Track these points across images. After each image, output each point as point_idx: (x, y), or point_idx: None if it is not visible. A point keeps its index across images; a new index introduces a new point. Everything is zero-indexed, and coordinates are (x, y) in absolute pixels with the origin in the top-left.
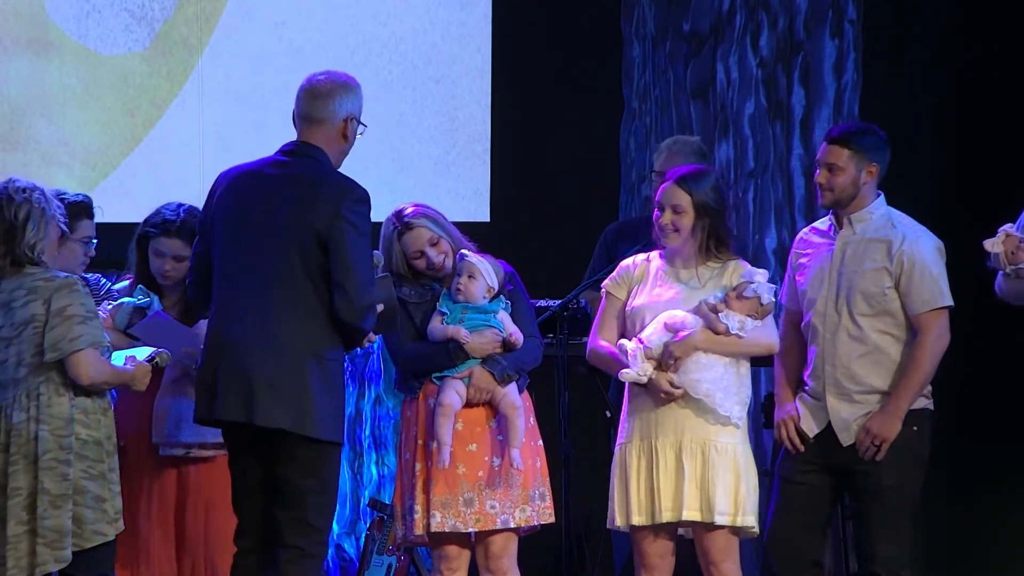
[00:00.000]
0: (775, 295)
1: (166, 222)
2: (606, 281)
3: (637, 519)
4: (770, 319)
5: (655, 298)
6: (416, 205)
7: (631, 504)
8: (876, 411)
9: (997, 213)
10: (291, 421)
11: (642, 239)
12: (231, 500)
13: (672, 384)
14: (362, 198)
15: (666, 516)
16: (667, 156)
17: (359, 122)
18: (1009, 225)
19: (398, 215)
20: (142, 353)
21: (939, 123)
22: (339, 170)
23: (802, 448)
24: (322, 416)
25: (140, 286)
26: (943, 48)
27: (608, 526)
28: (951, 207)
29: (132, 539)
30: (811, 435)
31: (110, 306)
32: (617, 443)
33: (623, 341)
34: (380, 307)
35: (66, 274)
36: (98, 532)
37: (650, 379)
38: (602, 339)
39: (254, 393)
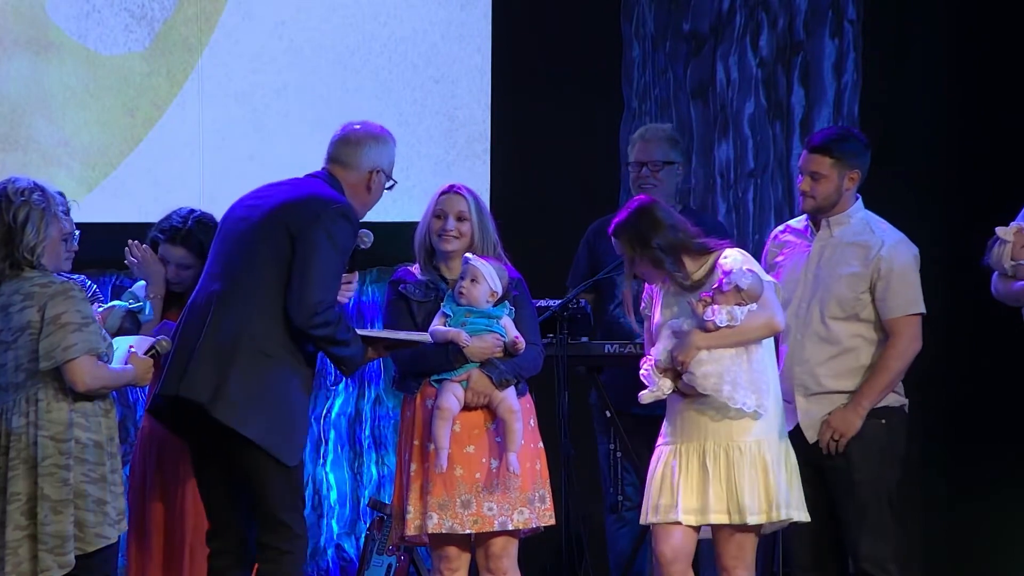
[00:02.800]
0: (752, 277)
1: (173, 229)
2: (643, 306)
3: (652, 517)
4: (767, 297)
5: (666, 314)
6: (471, 189)
7: (649, 503)
8: (839, 408)
9: (996, 213)
10: (207, 396)
11: None
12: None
13: (685, 385)
14: (347, 215)
15: (689, 519)
16: (641, 144)
17: (388, 176)
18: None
19: (452, 184)
20: (140, 345)
21: (939, 123)
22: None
23: None
24: (237, 401)
25: (130, 290)
26: (943, 48)
27: (640, 522)
28: (950, 207)
29: (171, 536)
30: None
31: (100, 309)
32: (657, 443)
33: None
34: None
35: (64, 279)
36: (101, 535)
37: (675, 390)
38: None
39: (187, 369)
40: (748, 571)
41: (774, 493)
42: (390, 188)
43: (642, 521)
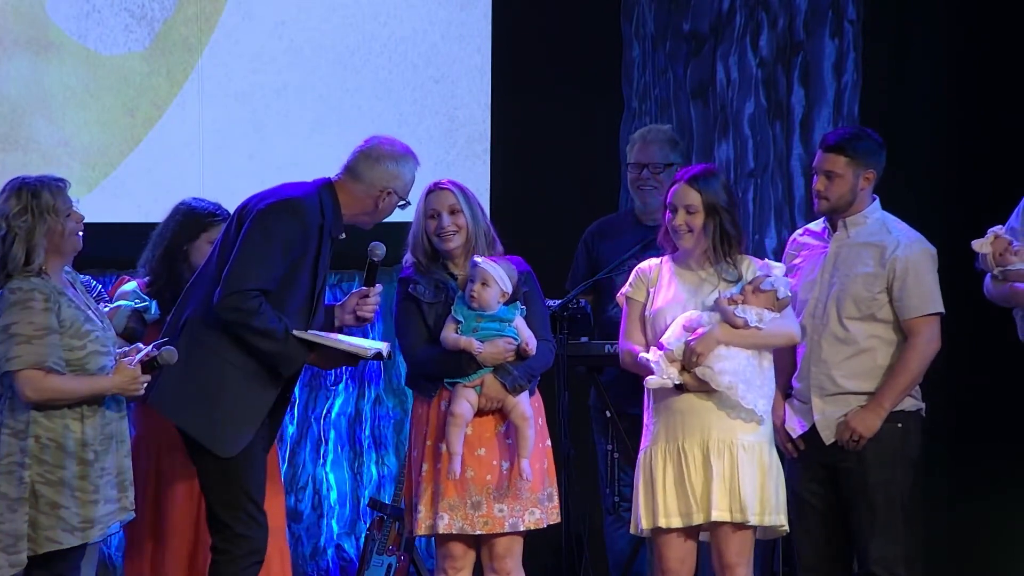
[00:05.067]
0: (791, 288)
1: (218, 209)
2: (624, 289)
3: (667, 521)
4: (789, 310)
5: (671, 300)
6: (454, 181)
7: (659, 507)
8: (858, 409)
9: (995, 214)
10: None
11: (623, 236)
12: None
13: (697, 379)
14: (290, 208)
15: (699, 517)
16: (641, 145)
17: (400, 197)
18: (999, 227)
19: (436, 182)
20: (138, 354)
21: (939, 123)
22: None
23: (794, 454)
24: (167, 390)
25: (134, 289)
26: (943, 48)
27: (632, 531)
28: (950, 208)
29: (162, 537)
30: (794, 435)
31: (107, 309)
32: (641, 448)
33: (642, 354)
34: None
35: (33, 286)
36: (52, 539)
37: (681, 383)
38: (632, 343)
39: None
40: (749, 568)
41: (770, 496)
42: (403, 207)
43: (645, 527)
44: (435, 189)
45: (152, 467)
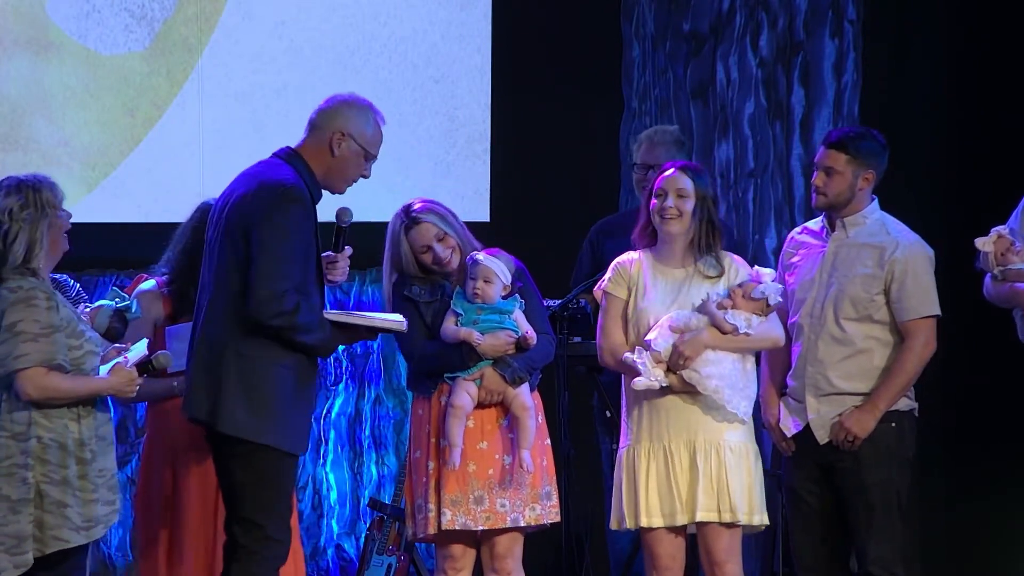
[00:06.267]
0: (781, 295)
1: None
2: (603, 283)
3: (650, 520)
4: (774, 313)
5: (654, 299)
6: (424, 201)
7: (641, 506)
8: (853, 409)
9: (995, 214)
10: (205, 413)
11: (628, 235)
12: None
13: (683, 381)
14: (292, 196)
15: (684, 517)
16: (648, 146)
17: (358, 144)
18: (1002, 227)
19: (406, 210)
20: (135, 356)
21: (939, 123)
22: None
23: (789, 451)
24: (234, 412)
25: (113, 287)
26: (943, 48)
27: (612, 527)
28: (950, 208)
29: (176, 537)
30: (788, 434)
31: (88, 309)
32: (622, 445)
33: (628, 354)
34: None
35: (33, 285)
36: (58, 538)
37: (666, 384)
38: (612, 341)
39: (190, 384)
40: (738, 565)
41: (755, 496)
42: (369, 161)
43: (629, 525)
44: (413, 225)
45: (167, 467)
